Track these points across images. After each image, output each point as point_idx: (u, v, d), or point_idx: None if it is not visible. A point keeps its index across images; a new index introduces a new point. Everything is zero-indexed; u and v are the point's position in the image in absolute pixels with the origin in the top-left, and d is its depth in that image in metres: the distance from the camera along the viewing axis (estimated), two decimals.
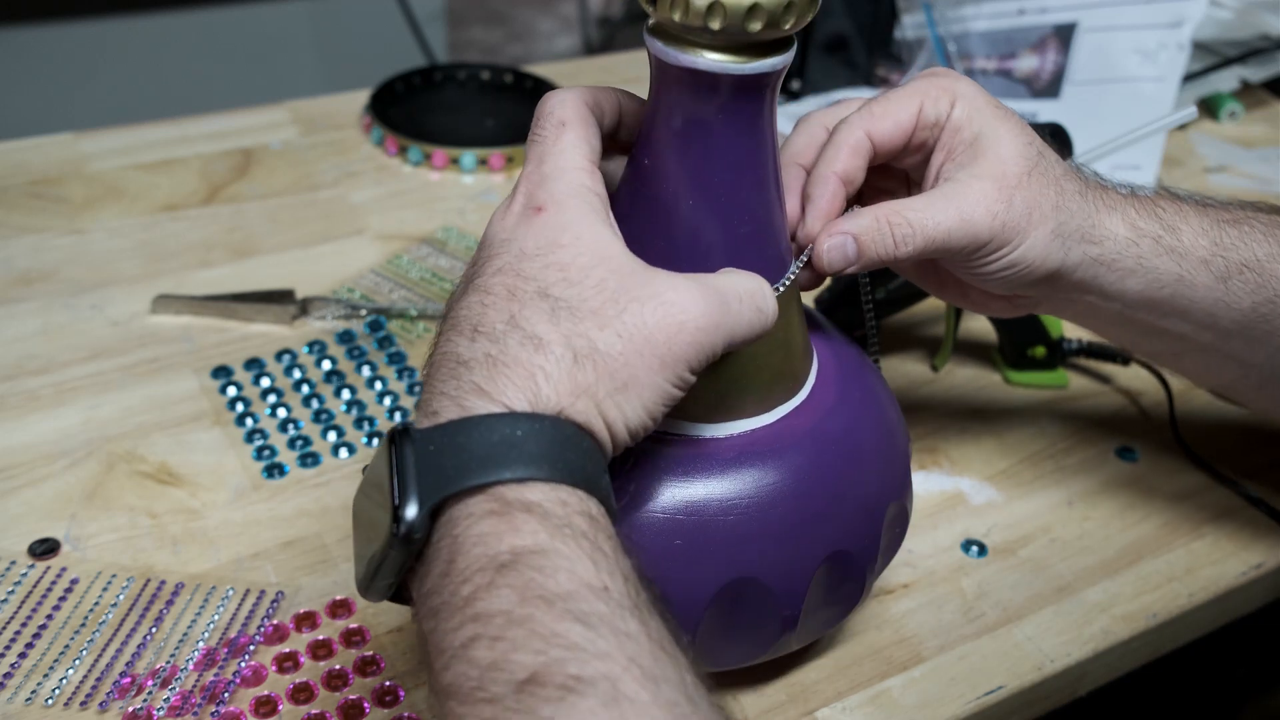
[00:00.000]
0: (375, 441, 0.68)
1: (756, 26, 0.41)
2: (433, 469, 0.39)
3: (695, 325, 0.42)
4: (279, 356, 0.73)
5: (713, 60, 0.43)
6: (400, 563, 0.40)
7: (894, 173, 0.56)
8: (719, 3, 0.41)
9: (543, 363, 0.41)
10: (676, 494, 0.48)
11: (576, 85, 0.47)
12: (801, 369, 0.51)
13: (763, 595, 0.49)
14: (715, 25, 0.41)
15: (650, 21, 0.44)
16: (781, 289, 0.48)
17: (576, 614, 0.36)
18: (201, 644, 0.55)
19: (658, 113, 0.45)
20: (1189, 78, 1.04)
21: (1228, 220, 0.55)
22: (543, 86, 1.03)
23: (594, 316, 0.41)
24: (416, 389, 0.72)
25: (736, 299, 0.44)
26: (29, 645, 0.55)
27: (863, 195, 0.56)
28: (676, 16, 0.42)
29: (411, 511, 0.38)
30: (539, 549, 0.37)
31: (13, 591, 0.57)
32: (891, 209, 0.51)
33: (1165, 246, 0.54)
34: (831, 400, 0.52)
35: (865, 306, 0.67)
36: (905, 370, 0.76)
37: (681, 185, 0.46)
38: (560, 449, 0.40)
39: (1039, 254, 0.52)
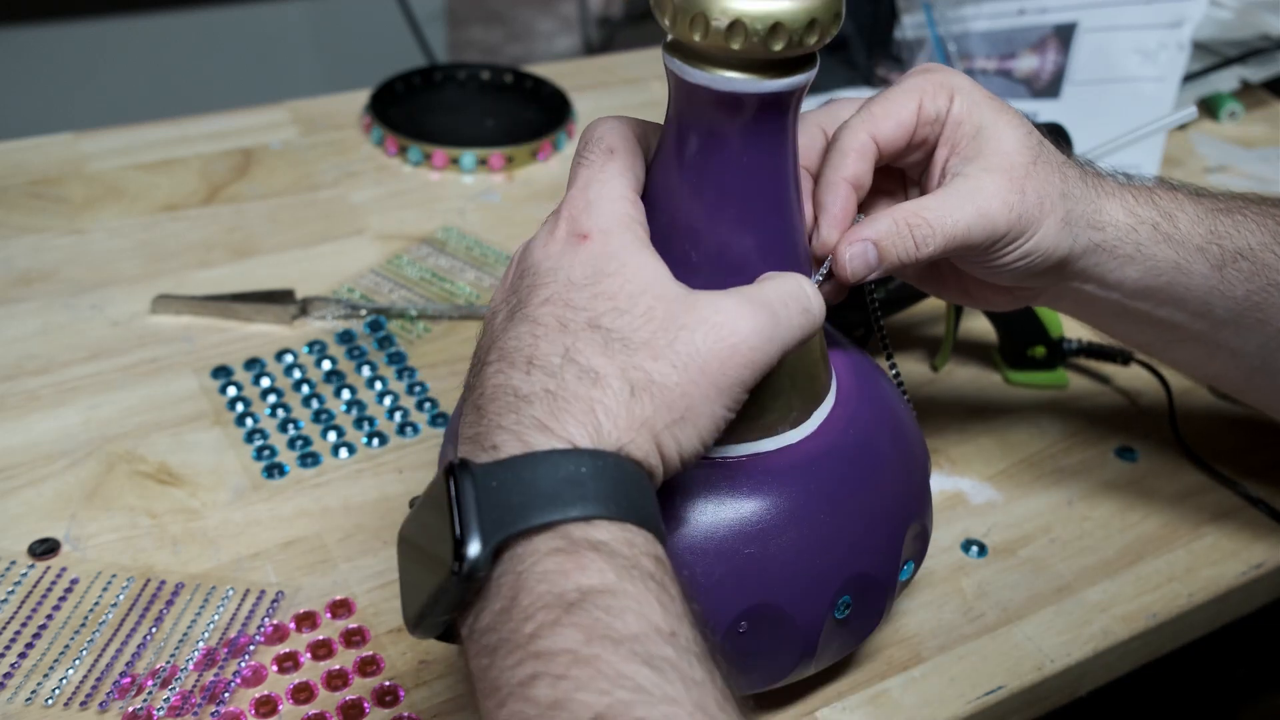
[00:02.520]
0: (376, 441, 0.68)
1: (779, 46, 0.40)
2: (496, 505, 0.38)
3: (748, 345, 0.42)
4: (279, 356, 0.73)
5: (733, 79, 0.42)
6: (457, 600, 0.39)
7: (892, 173, 0.56)
8: (740, 22, 0.40)
9: (601, 397, 0.40)
10: (700, 520, 0.47)
11: (623, 115, 0.47)
12: (823, 384, 0.50)
13: (781, 622, 0.48)
14: (736, 45, 0.40)
15: (668, 38, 0.43)
16: None
17: (644, 657, 0.35)
18: (201, 644, 0.55)
19: (677, 131, 0.45)
20: (1189, 78, 1.04)
21: (1221, 209, 0.55)
22: (543, 86, 1.03)
23: (646, 347, 0.41)
24: (417, 389, 0.72)
25: (782, 305, 0.43)
26: (29, 645, 0.55)
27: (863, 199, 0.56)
28: (697, 37, 0.41)
29: (475, 549, 0.37)
30: (607, 589, 0.37)
31: (13, 591, 0.57)
32: (909, 210, 0.50)
33: (1163, 234, 0.54)
34: (850, 415, 0.51)
35: (872, 308, 0.66)
36: (905, 370, 0.76)
37: (702, 203, 0.45)
38: (624, 487, 0.39)
39: (1051, 242, 0.52)
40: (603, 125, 0.46)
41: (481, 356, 0.43)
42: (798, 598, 0.48)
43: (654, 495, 0.41)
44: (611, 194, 0.44)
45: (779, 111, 0.44)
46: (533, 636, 0.36)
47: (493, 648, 0.37)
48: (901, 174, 0.56)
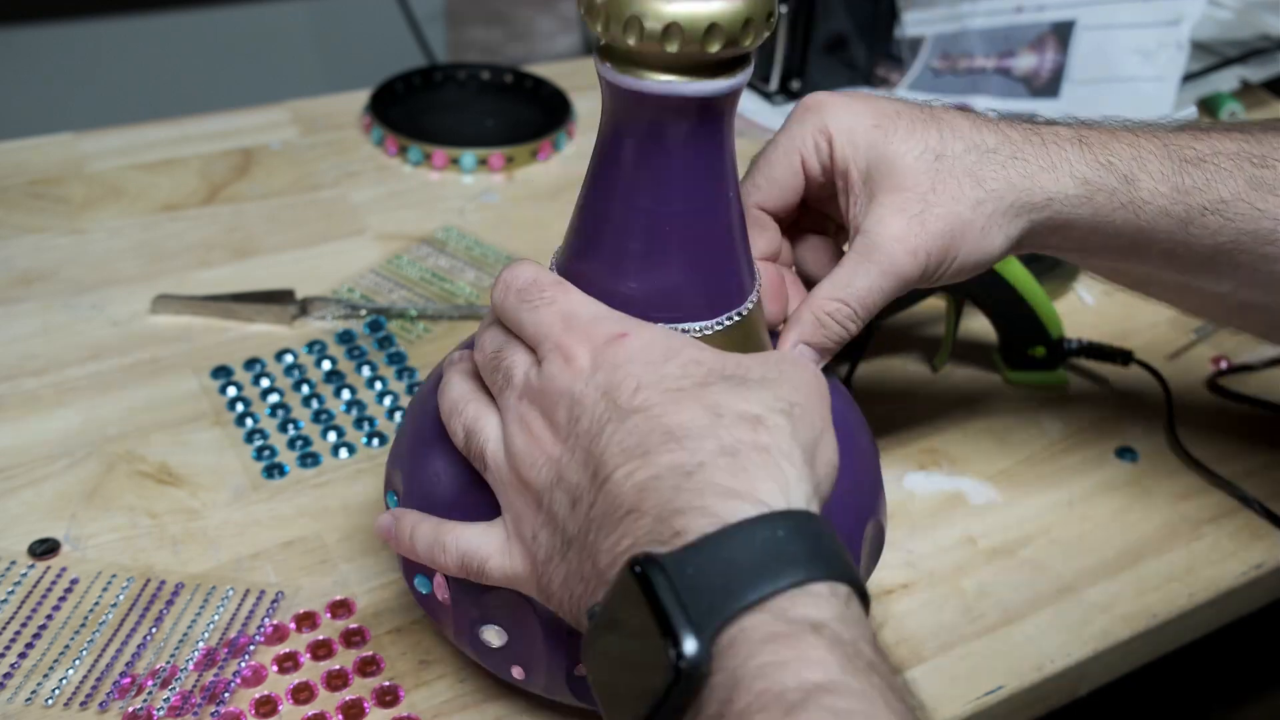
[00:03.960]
0: (375, 441, 0.68)
1: (715, 47, 0.40)
2: (699, 593, 0.34)
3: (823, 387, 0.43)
4: (279, 356, 0.73)
5: (668, 82, 0.41)
6: (682, 705, 0.34)
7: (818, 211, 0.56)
8: (676, 24, 0.39)
9: (769, 439, 0.38)
10: None
11: (519, 260, 0.45)
12: None
13: None
14: (673, 48, 0.40)
15: (600, 43, 0.43)
16: (744, 315, 0.47)
17: None
18: (201, 644, 0.55)
19: (609, 137, 0.44)
20: (1189, 78, 1.04)
21: (1192, 160, 0.53)
22: (543, 86, 1.03)
23: (768, 382, 0.40)
24: (417, 389, 0.72)
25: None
26: (29, 645, 0.55)
27: (802, 224, 0.56)
28: (631, 41, 0.40)
29: (691, 645, 0.33)
30: (831, 686, 0.33)
31: (13, 591, 0.57)
32: (824, 298, 0.50)
33: (1120, 200, 0.52)
34: None
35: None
36: (905, 370, 0.76)
37: (635, 211, 0.44)
38: (822, 541, 0.36)
39: (978, 252, 0.51)
40: (525, 270, 0.44)
41: (585, 486, 0.40)
42: None
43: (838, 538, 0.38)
44: (604, 307, 0.43)
45: (716, 115, 0.43)
46: None
47: None
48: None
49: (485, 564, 0.44)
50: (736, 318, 0.47)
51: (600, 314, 0.43)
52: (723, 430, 0.38)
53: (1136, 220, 0.53)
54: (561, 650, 0.48)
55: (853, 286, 0.50)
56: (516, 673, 0.50)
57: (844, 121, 0.51)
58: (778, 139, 0.53)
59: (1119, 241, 0.54)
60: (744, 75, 0.43)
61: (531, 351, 0.44)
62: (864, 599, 0.37)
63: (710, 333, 0.46)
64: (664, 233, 0.44)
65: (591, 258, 0.46)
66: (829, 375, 0.54)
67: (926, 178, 0.50)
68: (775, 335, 0.55)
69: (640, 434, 0.39)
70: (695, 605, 0.34)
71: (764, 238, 0.53)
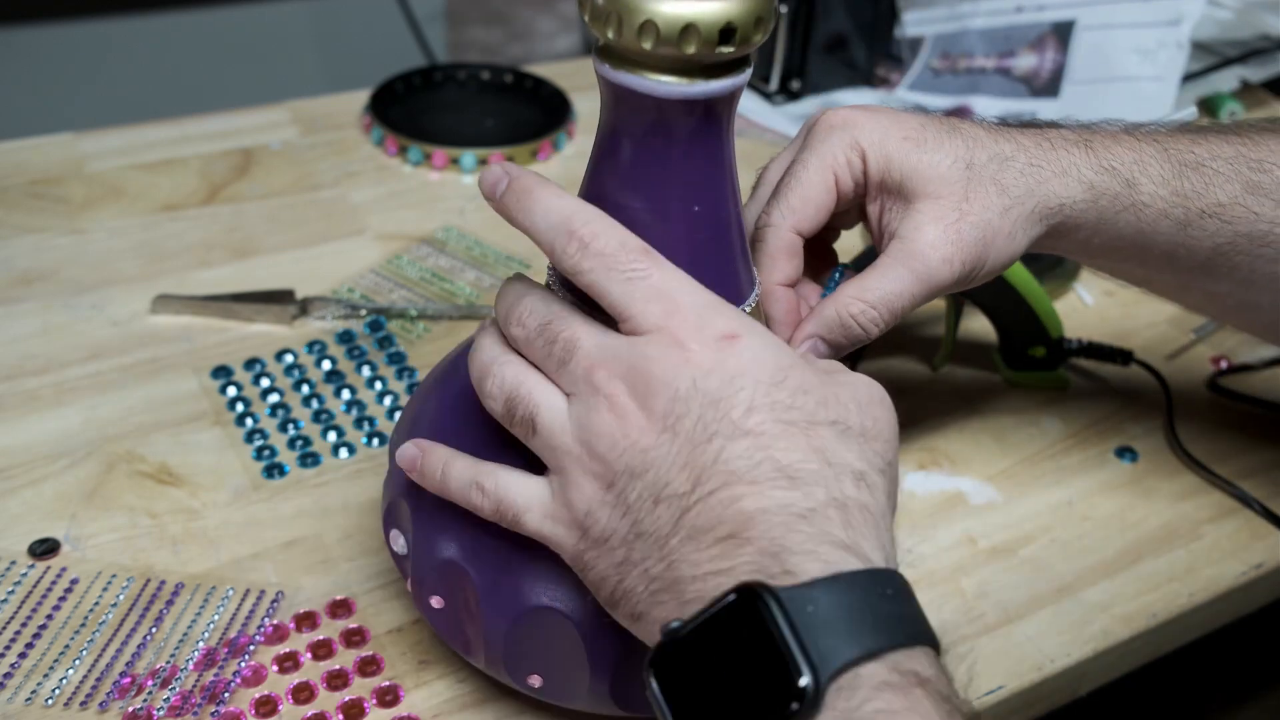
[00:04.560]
0: (375, 441, 0.68)
1: (691, 50, 0.40)
2: (819, 632, 0.34)
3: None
4: (279, 356, 0.73)
5: (672, 83, 0.41)
6: None
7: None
8: (651, 22, 0.39)
9: (870, 500, 0.39)
10: None
11: (580, 207, 0.42)
12: None
13: None
14: (648, 46, 0.40)
15: (600, 43, 0.43)
16: (747, 311, 0.47)
17: None
18: (201, 644, 0.55)
19: (608, 137, 0.44)
20: (1189, 78, 1.04)
21: (1191, 164, 0.54)
22: (543, 86, 1.03)
23: (866, 434, 0.40)
24: (415, 388, 0.72)
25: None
26: (29, 645, 0.55)
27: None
28: (611, 34, 0.40)
29: (807, 682, 0.34)
30: None
31: (13, 591, 0.57)
32: (850, 295, 0.51)
33: (1123, 204, 0.53)
34: None
35: None
36: (905, 370, 0.76)
37: (632, 211, 0.44)
38: (916, 608, 0.37)
39: (1004, 257, 0.52)
40: (600, 229, 0.41)
41: (681, 490, 0.39)
42: None
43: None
44: (700, 288, 0.42)
45: (717, 115, 0.43)
46: None
47: None
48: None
49: (522, 515, 0.43)
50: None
51: (705, 302, 0.41)
52: (832, 481, 0.38)
53: (1138, 223, 0.54)
54: (584, 660, 0.48)
55: (883, 290, 0.51)
56: (534, 681, 0.50)
57: (874, 136, 0.52)
58: (806, 160, 0.52)
59: (1121, 243, 0.55)
60: (746, 74, 0.43)
61: (593, 321, 0.42)
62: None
63: None
64: (660, 234, 0.44)
65: None
66: None
67: (960, 186, 0.51)
68: None
69: (751, 460, 0.38)
70: (814, 644, 0.34)
71: (791, 264, 0.52)
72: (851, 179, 0.52)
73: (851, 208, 0.54)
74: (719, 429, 0.39)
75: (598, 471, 0.41)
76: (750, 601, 0.35)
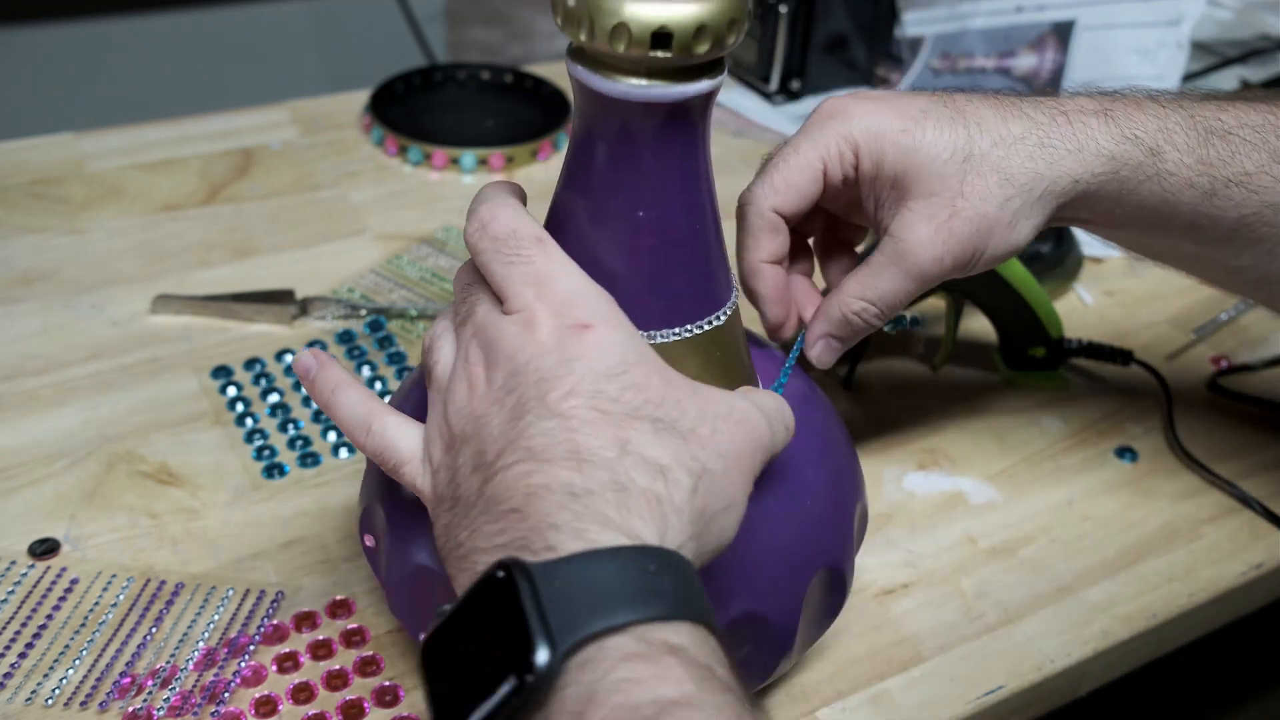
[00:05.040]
0: None
1: (663, 52, 0.40)
2: (563, 606, 0.34)
3: (767, 441, 0.42)
4: (279, 356, 0.73)
5: (630, 85, 0.41)
6: (520, 715, 0.34)
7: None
8: (624, 25, 0.39)
9: (666, 492, 0.38)
10: None
11: (499, 193, 0.44)
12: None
13: (762, 624, 0.48)
14: (621, 49, 0.39)
15: (573, 46, 0.42)
16: (713, 325, 0.47)
17: None
18: (201, 644, 0.55)
19: (582, 139, 0.44)
20: (1189, 78, 1.04)
21: (1218, 132, 0.53)
22: (543, 86, 1.03)
23: (694, 437, 0.40)
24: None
25: (776, 413, 0.44)
26: (29, 645, 0.55)
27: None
28: (583, 37, 0.40)
29: (544, 655, 0.33)
30: (686, 701, 0.33)
31: (13, 591, 0.57)
32: (850, 293, 0.53)
33: (1146, 173, 0.52)
34: None
35: None
36: (905, 370, 0.76)
37: (607, 214, 0.44)
38: (689, 586, 0.37)
39: (1006, 245, 0.52)
40: (501, 214, 0.43)
41: (489, 460, 0.40)
42: (771, 597, 0.48)
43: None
44: (578, 279, 0.42)
45: (691, 119, 0.43)
46: None
47: None
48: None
49: (402, 466, 0.44)
50: (706, 327, 0.46)
51: (576, 292, 0.41)
52: (621, 468, 0.38)
53: (1161, 192, 0.53)
54: None
55: (878, 288, 0.52)
56: None
57: (870, 128, 0.52)
58: (798, 144, 0.52)
59: (1143, 214, 0.54)
60: (721, 77, 0.43)
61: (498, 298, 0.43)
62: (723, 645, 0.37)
63: (675, 339, 0.46)
64: (634, 236, 0.44)
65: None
66: (803, 380, 0.54)
67: (955, 180, 0.51)
68: (772, 339, 0.55)
69: (550, 440, 0.39)
70: (556, 617, 0.34)
71: (774, 241, 0.53)
72: (842, 171, 0.52)
73: (844, 199, 0.54)
74: (533, 407, 0.39)
75: (445, 434, 0.42)
76: (505, 577, 0.35)
